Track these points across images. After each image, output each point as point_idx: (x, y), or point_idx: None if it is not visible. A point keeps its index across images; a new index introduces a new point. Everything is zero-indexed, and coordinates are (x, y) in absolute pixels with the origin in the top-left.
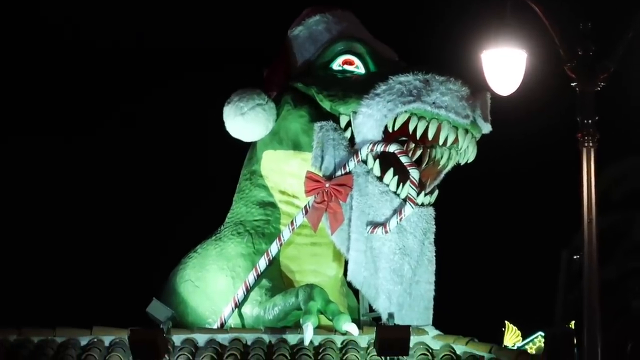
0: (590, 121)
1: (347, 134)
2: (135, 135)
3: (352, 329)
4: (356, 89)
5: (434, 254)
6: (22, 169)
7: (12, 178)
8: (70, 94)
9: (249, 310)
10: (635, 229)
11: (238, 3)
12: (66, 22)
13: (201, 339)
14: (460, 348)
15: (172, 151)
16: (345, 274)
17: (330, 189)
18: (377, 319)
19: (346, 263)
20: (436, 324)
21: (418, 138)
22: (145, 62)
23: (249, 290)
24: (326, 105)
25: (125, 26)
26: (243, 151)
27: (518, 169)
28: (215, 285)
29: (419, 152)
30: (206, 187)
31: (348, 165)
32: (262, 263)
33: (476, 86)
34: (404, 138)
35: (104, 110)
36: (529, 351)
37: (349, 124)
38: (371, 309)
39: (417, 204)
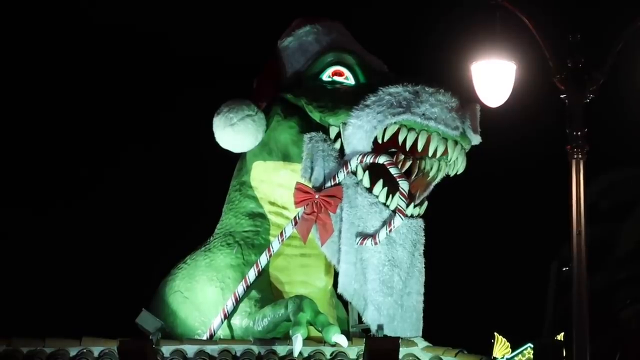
0: (579, 133)
1: (337, 145)
2: (123, 146)
3: (342, 340)
4: (346, 100)
5: (424, 265)
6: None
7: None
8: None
9: (238, 321)
10: (622, 240)
11: (227, 16)
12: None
13: (190, 350)
14: (449, 359)
15: (162, 162)
16: (334, 285)
17: (320, 200)
18: (367, 330)
19: (336, 274)
20: (425, 335)
21: (407, 149)
22: (139, 74)
23: (238, 302)
24: (316, 116)
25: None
26: (233, 162)
27: (507, 180)
28: (204, 296)
29: (408, 164)
30: (196, 198)
31: (338, 177)
32: (252, 274)
33: (466, 98)
34: (393, 149)
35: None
36: None
37: (338, 135)
38: (360, 320)
39: (406, 216)
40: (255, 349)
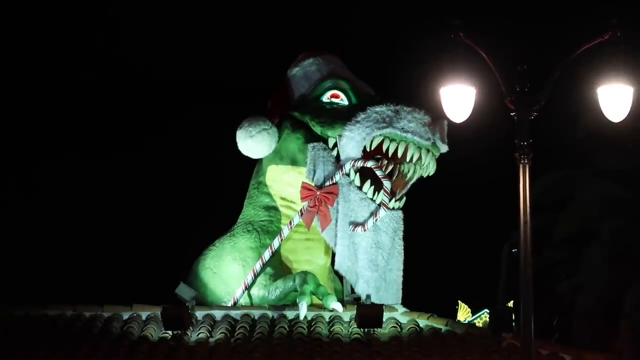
0: (525, 143)
1: (334, 153)
2: (164, 154)
3: (338, 307)
4: (341, 117)
5: (402, 247)
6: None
7: (67, 179)
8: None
9: (256, 291)
10: (558, 229)
11: (243, 49)
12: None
13: (218, 314)
14: (422, 322)
15: (196, 167)
16: (332, 263)
17: (321, 196)
18: (357, 299)
19: (333, 255)
20: (404, 302)
21: (390, 156)
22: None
23: (256, 276)
24: (317, 129)
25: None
26: (250, 166)
27: (470, 180)
28: (229, 272)
29: (390, 167)
30: (222, 196)
31: (335, 177)
32: (267, 254)
33: (436, 115)
34: (378, 156)
35: (141, 130)
36: (477, 324)
37: (335, 145)
38: (352, 291)
39: (389, 208)
40: (270, 313)
